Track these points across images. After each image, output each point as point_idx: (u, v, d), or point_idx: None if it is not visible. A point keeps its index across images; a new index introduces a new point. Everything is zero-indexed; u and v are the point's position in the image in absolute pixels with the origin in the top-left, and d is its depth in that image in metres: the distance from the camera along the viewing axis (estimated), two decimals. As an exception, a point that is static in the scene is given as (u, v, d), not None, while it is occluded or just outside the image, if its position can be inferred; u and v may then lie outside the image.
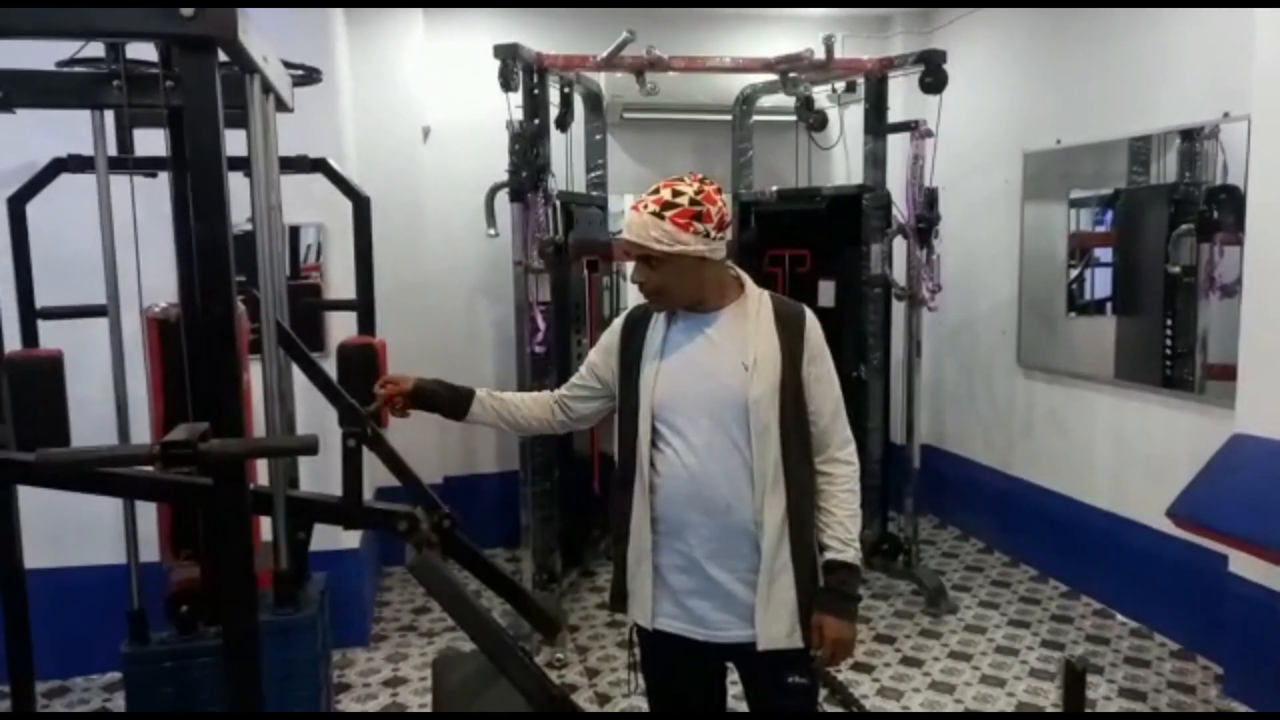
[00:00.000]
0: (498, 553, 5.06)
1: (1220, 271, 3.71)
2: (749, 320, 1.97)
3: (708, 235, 1.86)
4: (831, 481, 1.97)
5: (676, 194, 1.87)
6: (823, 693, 3.56)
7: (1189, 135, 3.85)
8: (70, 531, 3.40)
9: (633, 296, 6.31)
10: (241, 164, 2.15)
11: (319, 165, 3.07)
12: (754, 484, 1.89)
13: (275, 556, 2.08)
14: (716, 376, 1.93)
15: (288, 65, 2.84)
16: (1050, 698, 3.49)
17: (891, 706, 3.49)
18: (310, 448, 1.82)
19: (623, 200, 5.64)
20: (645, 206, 1.87)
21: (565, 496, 4.37)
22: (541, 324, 3.92)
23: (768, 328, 1.95)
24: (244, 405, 1.97)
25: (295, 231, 4.05)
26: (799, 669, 1.98)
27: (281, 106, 2.38)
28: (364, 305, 3.20)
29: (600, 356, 2.11)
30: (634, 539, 1.99)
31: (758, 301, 1.99)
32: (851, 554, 1.94)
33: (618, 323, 2.10)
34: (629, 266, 5.39)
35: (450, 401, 2.17)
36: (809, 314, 2.00)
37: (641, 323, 2.03)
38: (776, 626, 1.92)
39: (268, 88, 2.19)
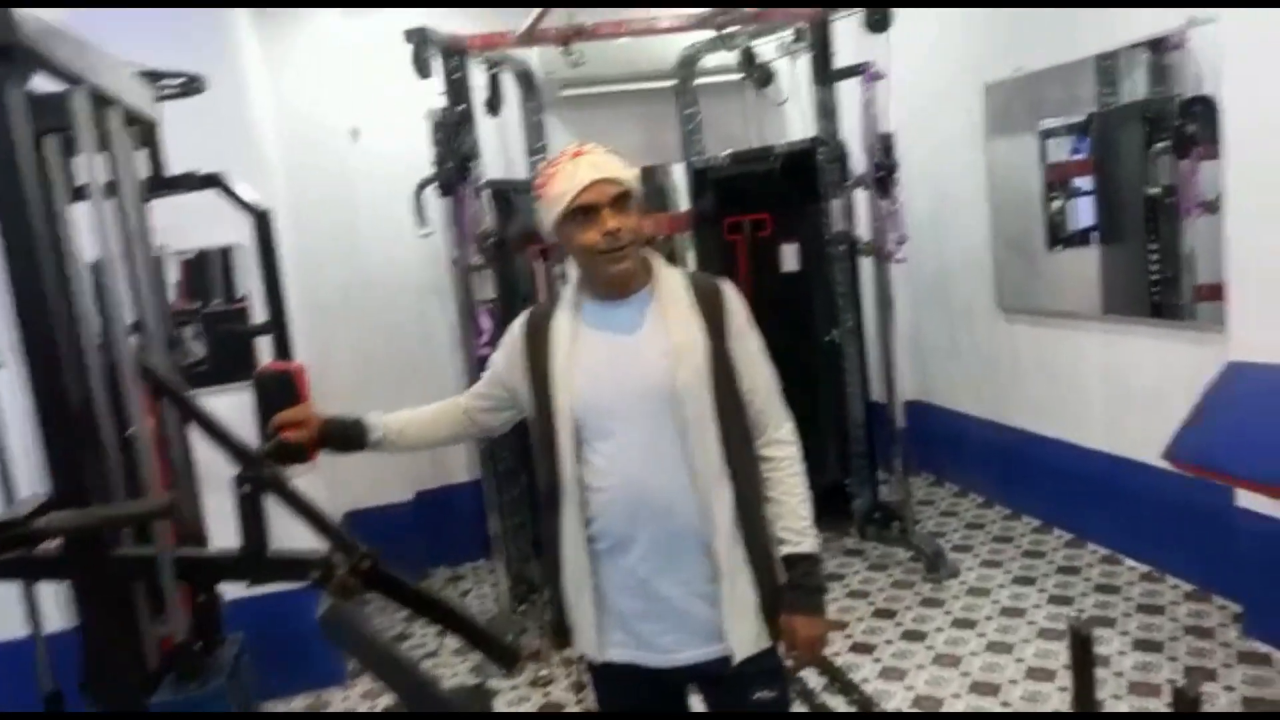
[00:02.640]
0: (480, 565, 4.86)
1: (1200, 188, 3.47)
2: (664, 302, 1.77)
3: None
4: (776, 467, 1.80)
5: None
6: (821, 682, 3.36)
7: (1156, 46, 3.60)
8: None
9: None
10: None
11: (211, 181, 2.82)
12: (695, 481, 1.70)
13: (171, 627, 1.88)
14: (640, 368, 1.73)
15: (160, 75, 2.60)
16: (1061, 659, 3.29)
17: (894, 688, 3.29)
18: (161, 511, 1.61)
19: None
20: (582, 152, 1.70)
21: (537, 499, 4.16)
22: (487, 324, 3.69)
23: (686, 308, 1.76)
24: (107, 466, 1.75)
25: (227, 254, 3.82)
26: (765, 683, 1.79)
27: (138, 121, 2.14)
28: (277, 327, 2.96)
29: (503, 363, 1.90)
30: (570, 565, 1.79)
31: (671, 281, 1.79)
32: (809, 543, 1.79)
33: (518, 324, 1.88)
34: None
35: (342, 439, 1.92)
36: (727, 287, 1.82)
37: (545, 321, 1.81)
38: (745, 632, 1.74)
39: (109, 101, 1.94)
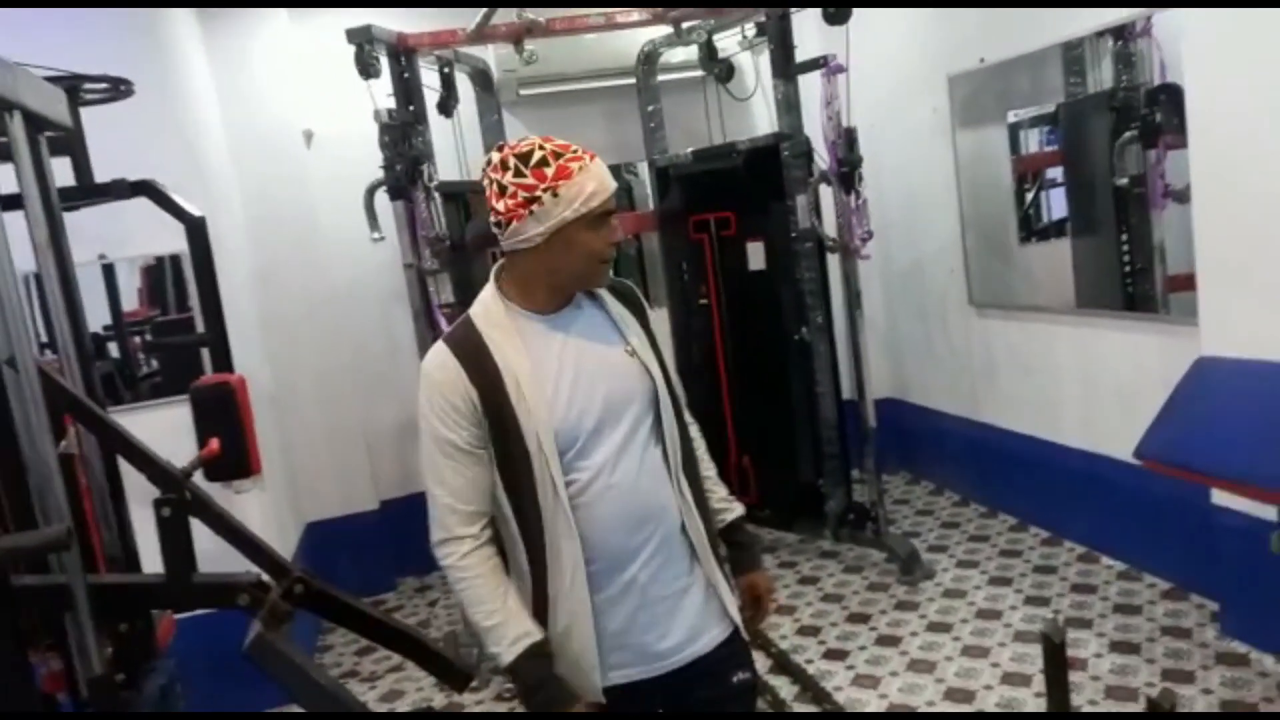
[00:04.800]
0: (448, 574, 4.74)
1: (1170, 178, 3.41)
2: (600, 304, 1.73)
3: None
4: (696, 443, 1.83)
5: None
6: (794, 690, 3.28)
7: (1121, 33, 3.53)
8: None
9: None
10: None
11: (141, 188, 2.70)
12: (673, 476, 1.69)
13: (86, 659, 1.76)
14: (616, 374, 1.66)
15: (83, 78, 2.49)
16: (1037, 664, 3.21)
17: (867, 696, 3.20)
18: (57, 543, 1.50)
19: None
20: (589, 156, 1.59)
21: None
22: (446, 329, 3.58)
23: (618, 308, 1.73)
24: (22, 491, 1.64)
25: (176, 261, 3.69)
26: (739, 663, 1.77)
27: (48, 126, 2.02)
28: (215, 337, 2.84)
29: (463, 423, 1.59)
30: (563, 603, 1.61)
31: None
32: (740, 506, 1.89)
33: (444, 360, 1.60)
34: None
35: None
36: (628, 281, 1.83)
37: (478, 350, 1.59)
38: (730, 610, 1.75)
39: (7, 105, 1.83)
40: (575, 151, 1.57)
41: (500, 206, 1.57)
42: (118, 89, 2.60)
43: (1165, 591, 3.59)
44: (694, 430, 1.83)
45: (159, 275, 3.75)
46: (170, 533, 1.87)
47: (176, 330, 3.56)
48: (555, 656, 1.63)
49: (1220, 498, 3.07)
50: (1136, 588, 3.66)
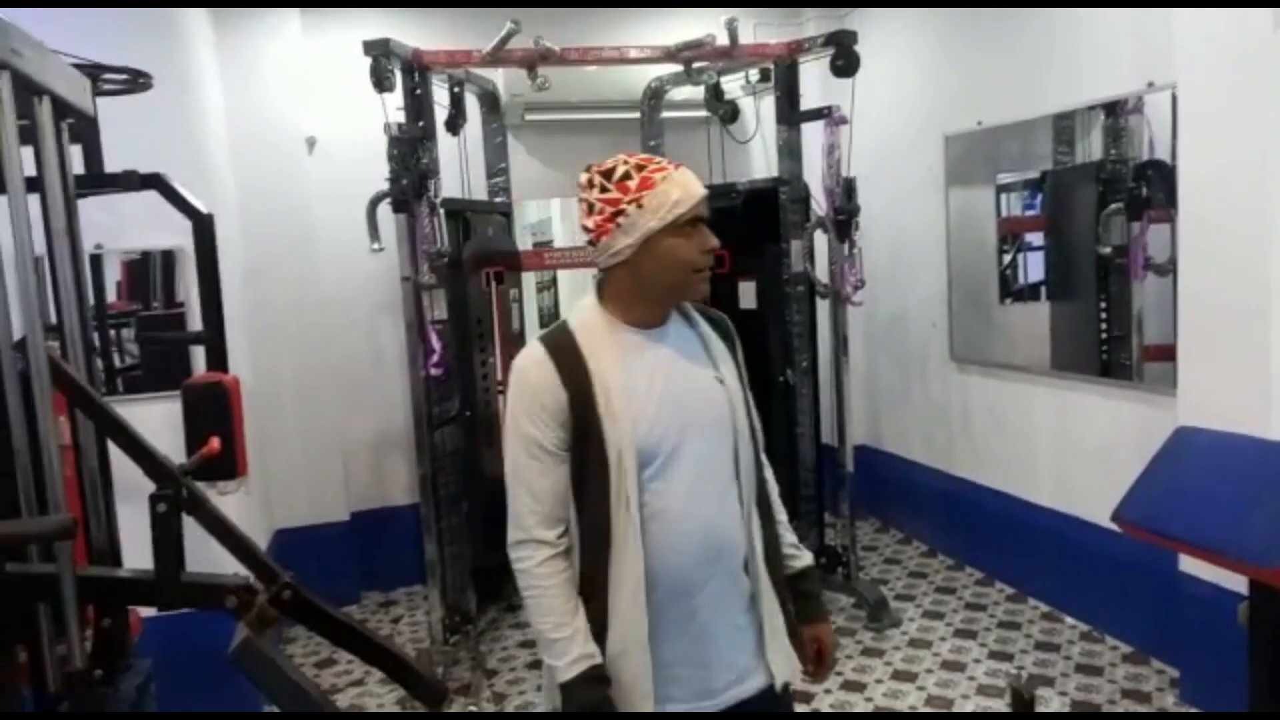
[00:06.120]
0: (415, 590, 4.71)
1: (1151, 250, 3.52)
2: (696, 329, 1.71)
3: None
4: (770, 486, 1.80)
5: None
6: None
7: (1113, 109, 3.66)
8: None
9: (571, 307, 5.99)
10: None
11: (151, 181, 2.70)
12: (744, 513, 1.66)
13: (69, 652, 1.74)
14: (703, 398, 1.64)
15: (103, 68, 2.49)
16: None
17: (832, 740, 3.22)
18: (62, 531, 1.49)
19: (530, 206, 5.35)
20: (674, 166, 1.61)
21: (478, 526, 4.04)
22: (437, 344, 3.59)
23: (712, 336, 1.72)
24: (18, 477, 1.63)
25: (169, 257, 3.67)
26: (781, 711, 1.76)
27: (70, 113, 2.02)
28: (213, 336, 2.83)
29: (552, 424, 1.58)
30: (618, 625, 1.57)
31: (691, 309, 1.73)
32: (809, 555, 1.84)
33: (540, 356, 1.60)
34: (530, 277, 5.07)
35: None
36: (725, 316, 1.81)
37: (573, 354, 1.60)
38: (783, 660, 1.70)
39: (37, 90, 1.83)
40: (659, 163, 1.60)
41: (590, 224, 1.60)
42: (136, 81, 2.61)
43: (1127, 655, 3.65)
44: (769, 474, 1.80)
45: (142, 270, 3.73)
46: (164, 529, 1.86)
47: (164, 326, 3.53)
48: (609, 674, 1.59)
49: (1188, 565, 3.14)
50: (1099, 649, 3.72)
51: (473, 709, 3.46)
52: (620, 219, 1.56)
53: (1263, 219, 2.83)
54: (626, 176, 1.57)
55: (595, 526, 1.57)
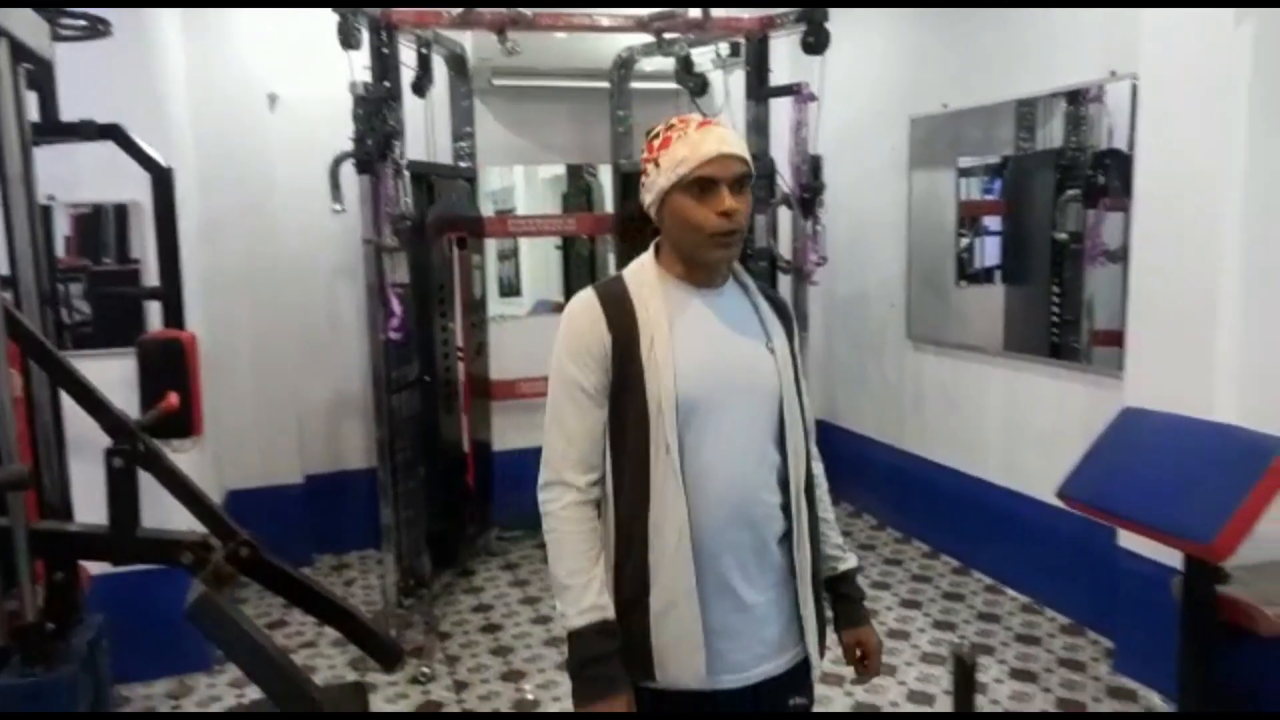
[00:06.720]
0: (368, 553, 4.71)
1: (1105, 237, 3.61)
2: (752, 299, 1.68)
3: None
4: (818, 484, 1.77)
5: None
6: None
7: (1074, 98, 3.73)
8: None
9: (532, 278, 5.97)
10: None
11: (109, 131, 2.64)
12: (788, 488, 1.62)
13: (21, 605, 1.72)
14: (749, 363, 1.61)
15: (62, 12, 2.43)
16: (942, 684, 3.36)
17: (780, 705, 3.29)
18: (17, 482, 1.48)
19: (494, 172, 5.31)
20: (709, 123, 1.57)
21: (435, 492, 4.05)
22: (397, 308, 3.56)
23: (769, 312, 1.68)
24: None
25: (122, 212, 3.59)
26: (799, 688, 1.70)
27: (27, 58, 1.97)
28: (170, 292, 2.78)
29: (594, 367, 1.57)
30: (664, 573, 1.55)
31: (751, 280, 1.70)
32: (854, 558, 1.81)
33: (590, 302, 1.60)
34: (491, 245, 5.05)
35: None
36: (786, 300, 1.77)
37: (622, 298, 1.59)
38: (810, 638, 1.65)
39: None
40: (686, 120, 1.59)
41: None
42: (95, 28, 2.54)
43: (1065, 626, 3.78)
44: (819, 468, 1.77)
45: (94, 224, 3.65)
46: (119, 484, 1.85)
47: (116, 282, 3.46)
48: (650, 638, 1.56)
49: (1127, 541, 3.25)
50: (1038, 620, 3.85)
51: (425, 670, 3.48)
52: (644, 178, 1.59)
53: (1214, 210, 2.92)
54: (656, 136, 1.59)
55: (635, 477, 1.56)
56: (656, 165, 1.56)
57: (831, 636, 1.75)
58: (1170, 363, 3.08)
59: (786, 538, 1.63)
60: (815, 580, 1.67)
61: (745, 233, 1.57)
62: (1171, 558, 2.79)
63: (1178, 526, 2.39)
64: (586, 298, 1.61)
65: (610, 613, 1.55)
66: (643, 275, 1.62)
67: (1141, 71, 3.18)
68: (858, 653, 1.75)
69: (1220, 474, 2.36)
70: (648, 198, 1.59)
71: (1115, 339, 3.46)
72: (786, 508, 1.62)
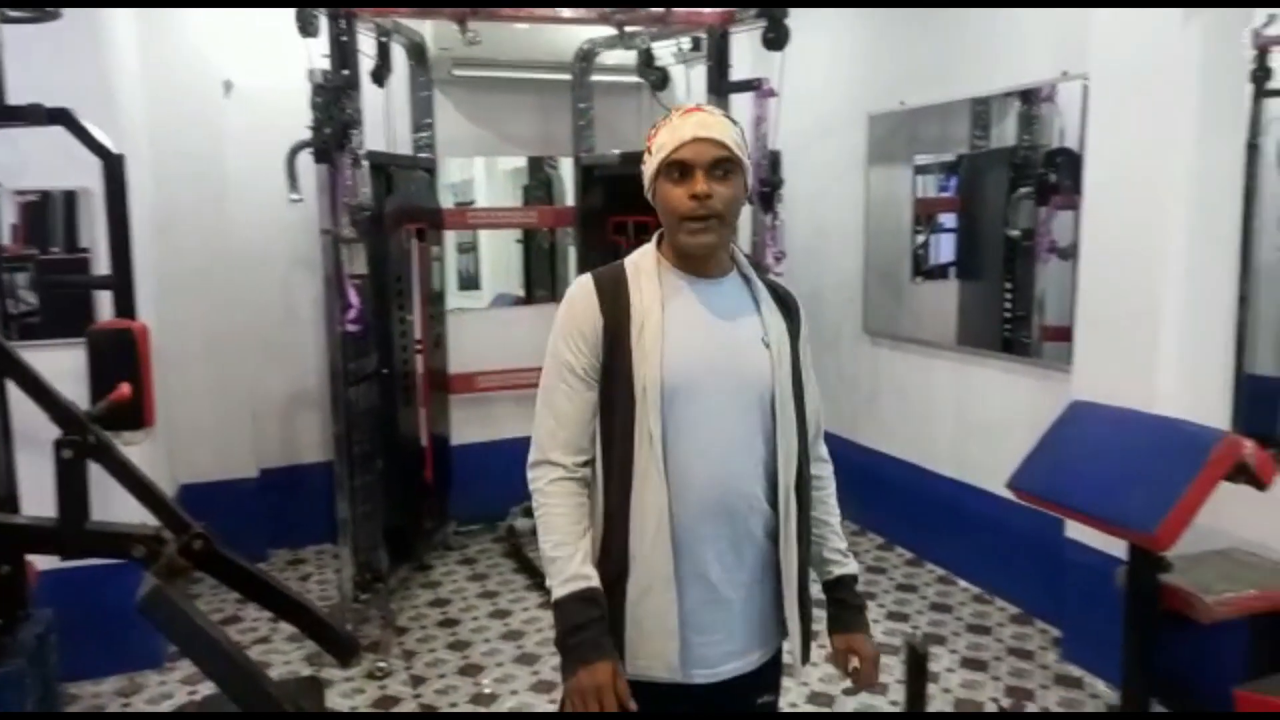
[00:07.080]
0: (325, 548, 4.66)
1: (1055, 235, 3.69)
2: (753, 291, 1.68)
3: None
4: (822, 485, 1.77)
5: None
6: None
7: (1027, 97, 3.80)
8: None
9: (492, 271, 5.92)
10: None
11: (59, 116, 2.58)
12: (777, 484, 1.61)
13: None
14: (740, 356, 1.61)
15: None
16: (895, 674, 3.41)
17: (737, 695, 3.33)
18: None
19: (454, 164, 5.27)
20: (695, 109, 1.58)
21: (392, 486, 4.02)
22: (355, 300, 3.53)
23: (770, 303, 1.68)
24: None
25: (71, 199, 3.52)
26: (767, 685, 1.72)
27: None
28: (120, 282, 2.73)
29: (585, 350, 1.60)
30: (642, 562, 1.56)
31: (754, 273, 1.70)
32: (854, 564, 1.77)
33: (586, 285, 1.62)
34: (451, 237, 5.01)
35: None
36: (795, 296, 1.76)
37: (618, 284, 1.61)
38: (800, 649, 1.66)
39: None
40: (678, 108, 1.61)
41: None
42: (43, 10, 2.48)
43: (1014, 615, 3.87)
44: (826, 470, 1.79)
45: (40, 211, 3.57)
46: (68, 476, 1.82)
47: (65, 271, 3.39)
48: (625, 625, 1.57)
49: (1073, 532, 3.34)
50: (989, 610, 3.94)
51: (382, 665, 3.47)
52: (642, 166, 1.62)
53: (1160, 208, 3.01)
54: (654, 125, 1.62)
55: (621, 461, 1.57)
56: (649, 152, 1.60)
57: (828, 639, 1.75)
58: (1116, 357, 3.16)
59: (774, 535, 1.62)
60: (803, 582, 1.65)
61: (728, 219, 1.58)
62: (1116, 548, 2.88)
63: (1122, 517, 2.47)
64: (584, 281, 1.64)
65: (594, 582, 1.55)
66: (642, 262, 1.64)
67: (1092, 71, 3.26)
68: (852, 660, 1.72)
69: (1162, 466, 2.44)
70: (645, 185, 1.63)
71: (1064, 334, 3.54)
72: (775, 504, 1.62)
